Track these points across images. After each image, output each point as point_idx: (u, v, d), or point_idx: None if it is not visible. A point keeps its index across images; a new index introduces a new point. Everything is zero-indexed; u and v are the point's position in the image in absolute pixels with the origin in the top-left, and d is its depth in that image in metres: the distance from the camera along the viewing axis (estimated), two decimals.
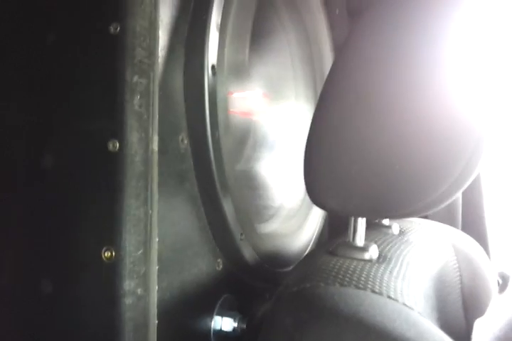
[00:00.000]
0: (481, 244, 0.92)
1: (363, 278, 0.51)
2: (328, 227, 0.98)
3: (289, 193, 0.85)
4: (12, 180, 0.49)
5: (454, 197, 0.53)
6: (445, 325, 0.69)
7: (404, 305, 0.48)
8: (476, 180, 1.08)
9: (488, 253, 1.06)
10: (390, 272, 0.55)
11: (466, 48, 0.51)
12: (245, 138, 0.79)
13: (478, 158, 0.50)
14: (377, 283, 0.50)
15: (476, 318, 0.68)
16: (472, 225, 1.08)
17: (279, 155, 0.86)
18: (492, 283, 0.89)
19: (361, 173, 0.52)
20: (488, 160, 1.07)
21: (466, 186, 0.52)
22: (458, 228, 1.08)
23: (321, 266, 0.54)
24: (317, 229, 0.91)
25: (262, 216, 0.75)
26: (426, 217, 1.04)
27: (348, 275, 0.51)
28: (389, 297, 0.48)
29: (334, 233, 0.96)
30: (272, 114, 0.86)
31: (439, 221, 0.95)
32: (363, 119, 0.53)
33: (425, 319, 0.49)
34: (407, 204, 0.53)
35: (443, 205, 0.54)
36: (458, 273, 0.82)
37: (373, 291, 0.48)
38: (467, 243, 0.90)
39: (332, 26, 0.93)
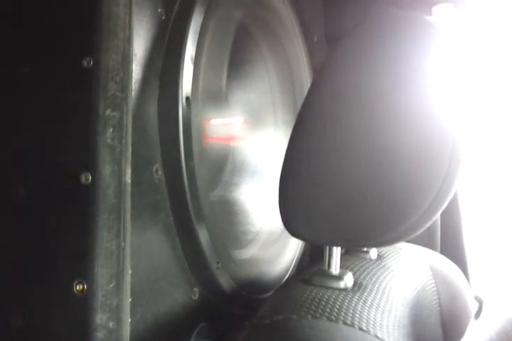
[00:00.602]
0: (459, 267, 0.92)
1: (335, 310, 0.51)
2: (311, 249, 0.98)
3: (269, 218, 0.85)
4: None
5: (425, 226, 0.54)
6: None
7: (376, 336, 0.49)
8: (454, 203, 1.08)
9: (467, 275, 1.06)
10: (364, 301, 0.55)
11: (434, 76, 0.52)
12: (224, 164, 0.79)
13: (449, 186, 0.51)
14: (350, 314, 0.50)
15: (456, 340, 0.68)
16: (451, 248, 1.08)
17: (259, 180, 0.87)
18: (471, 306, 0.89)
19: (334, 203, 0.53)
20: (465, 183, 1.08)
21: (437, 215, 0.53)
22: (437, 251, 1.09)
23: (295, 297, 0.54)
24: (298, 253, 0.91)
25: (240, 241, 0.76)
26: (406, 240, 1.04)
27: (321, 306, 0.51)
28: (360, 329, 0.49)
29: (317, 254, 0.97)
30: (251, 140, 0.86)
31: (417, 244, 0.96)
32: (334, 149, 0.54)
33: None
34: (380, 234, 0.54)
35: (415, 234, 0.55)
36: (436, 296, 0.82)
37: (345, 323, 0.49)
38: (445, 265, 0.90)
39: (311, 53, 0.95)
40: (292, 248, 0.88)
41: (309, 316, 0.49)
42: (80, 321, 0.44)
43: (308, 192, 0.55)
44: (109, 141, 0.46)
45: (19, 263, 0.47)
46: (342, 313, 0.50)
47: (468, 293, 0.91)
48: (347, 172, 0.52)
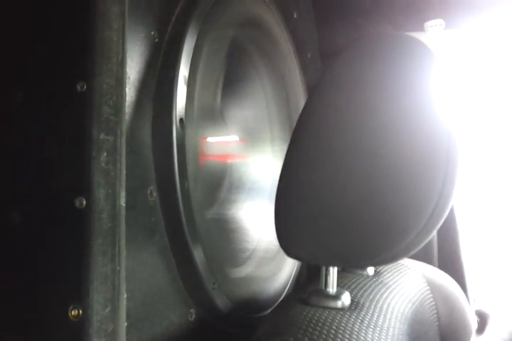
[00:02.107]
0: (457, 281, 0.92)
1: (332, 331, 0.51)
2: (308, 266, 0.98)
3: (266, 235, 0.85)
4: None
5: (421, 245, 0.54)
6: None
7: None
8: (451, 218, 1.09)
9: (465, 290, 1.06)
10: (362, 321, 0.55)
11: (425, 94, 0.53)
12: (220, 182, 0.79)
13: (444, 205, 0.51)
14: (347, 336, 0.50)
15: None
16: (448, 262, 1.08)
17: (256, 197, 0.87)
18: (470, 319, 0.89)
19: (330, 224, 0.53)
20: (461, 198, 1.08)
21: (432, 234, 0.53)
22: (434, 265, 1.09)
23: (293, 318, 0.54)
24: (295, 270, 0.91)
25: (237, 260, 0.75)
26: None
27: (318, 328, 0.51)
28: None
29: (314, 271, 0.96)
30: (248, 157, 0.87)
31: (415, 259, 0.96)
32: (329, 168, 0.54)
33: None
34: (376, 254, 0.54)
35: (412, 253, 0.55)
36: (435, 311, 0.82)
37: None
38: (443, 280, 0.90)
39: (305, 70, 0.95)
40: (289, 265, 0.88)
41: (306, 339, 0.49)
42: None
43: (303, 212, 0.55)
44: (103, 165, 0.46)
45: (14, 288, 0.47)
46: (339, 335, 0.50)
47: (467, 307, 0.90)
48: (342, 192, 0.53)
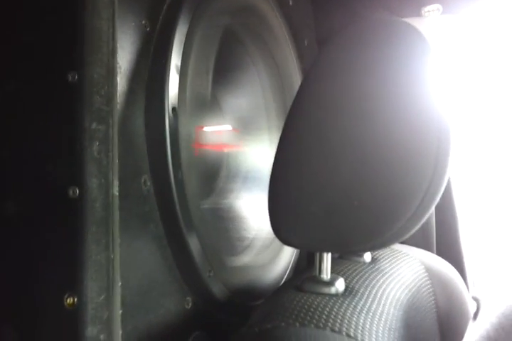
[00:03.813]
0: (456, 268, 0.92)
1: (324, 316, 0.51)
2: (308, 253, 0.99)
3: (265, 224, 0.85)
4: None
5: (413, 230, 0.54)
6: None
7: None
8: (449, 204, 1.09)
9: (464, 276, 1.07)
10: (354, 307, 0.56)
11: (418, 81, 0.53)
12: (217, 171, 0.80)
13: (435, 191, 0.52)
14: (338, 321, 0.51)
15: None
16: (447, 249, 1.09)
17: (254, 185, 0.87)
18: (469, 306, 0.90)
19: (322, 210, 0.54)
20: (460, 182, 1.08)
21: (424, 219, 0.54)
22: (432, 252, 1.09)
23: (285, 304, 0.54)
24: (294, 258, 0.91)
25: (236, 248, 0.76)
26: (401, 241, 1.04)
27: (309, 313, 0.52)
28: (348, 335, 0.49)
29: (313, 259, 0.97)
30: (245, 145, 0.87)
31: (413, 245, 0.96)
32: (320, 156, 0.54)
33: None
34: (369, 239, 0.54)
35: (404, 238, 0.55)
36: (433, 298, 0.82)
37: (332, 330, 0.49)
38: (441, 266, 0.90)
39: (301, 57, 0.95)
40: (288, 253, 0.88)
41: (297, 324, 0.50)
42: (71, 334, 0.44)
43: (296, 199, 0.55)
44: (95, 154, 0.46)
45: (9, 277, 0.47)
46: (330, 320, 0.51)
47: (465, 293, 0.91)
48: (334, 179, 0.53)
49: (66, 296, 0.45)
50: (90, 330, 0.44)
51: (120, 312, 0.47)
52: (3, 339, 0.47)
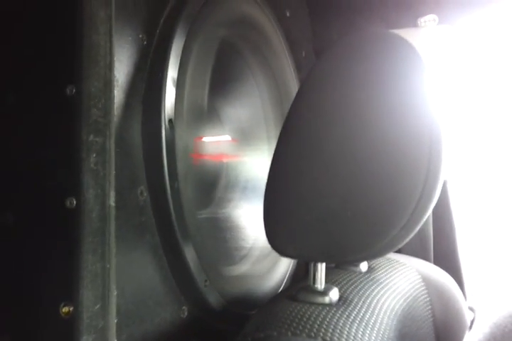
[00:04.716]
0: (453, 277, 0.93)
1: (316, 326, 0.52)
2: (305, 263, 0.99)
3: (262, 233, 0.86)
4: None
5: (406, 240, 0.55)
6: None
7: None
8: (447, 213, 1.09)
9: (461, 286, 1.07)
10: (347, 316, 0.56)
11: (410, 91, 0.54)
12: (216, 181, 0.80)
13: (427, 200, 0.52)
14: (330, 330, 0.51)
15: None
16: (444, 258, 1.09)
17: (253, 196, 0.87)
18: (466, 315, 0.90)
19: (316, 220, 0.54)
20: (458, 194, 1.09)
21: (416, 229, 0.54)
22: (430, 261, 1.09)
23: (279, 313, 0.55)
24: (291, 267, 0.92)
25: (233, 258, 0.76)
26: (398, 251, 1.05)
27: (302, 322, 0.52)
28: None
29: None
30: (245, 155, 0.87)
31: (410, 254, 0.96)
32: (314, 166, 0.55)
33: None
34: (363, 248, 0.55)
35: (397, 247, 0.56)
36: (429, 307, 0.82)
37: (324, 339, 0.50)
38: (439, 276, 0.91)
39: (299, 68, 0.96)
40: (285, 262, 0.89)
41: (289, 333, 0.50)
42: None
43: (290, 209, 0.56)
44: (92, 165, 0.47)
45: (6, 286, 0.48)
46: (322, 329, 0.51)
47: (462, 303, 0.91)
48: (327, 188, 0.54)
49: (62, 305, 0.45)
50: (85, 339, 0.45)
51: (115, 321, 0.48)
52: None
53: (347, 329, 0.53)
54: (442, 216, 1.08)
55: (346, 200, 0.53)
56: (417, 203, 0.52)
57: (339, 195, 0.53)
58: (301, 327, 0.51)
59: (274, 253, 0.85)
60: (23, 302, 0.47)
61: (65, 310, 0.45)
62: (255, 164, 0.88)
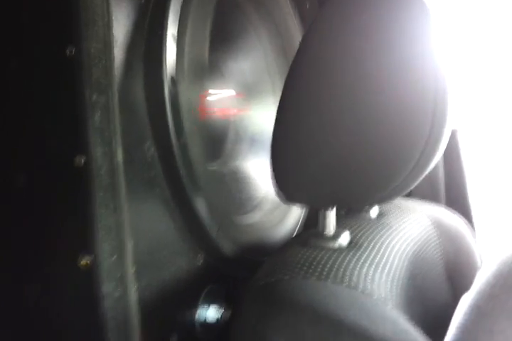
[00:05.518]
0: (465, 220, 0.94)
1: (326, 269, 0.54)
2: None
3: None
4: None
5: (415, 183, 0.56)
6: (425, 303, 0.72)
7: (363, 292, 0.51)
8: (457, 156, 1.09)
9: (472, 228, 1.08)
10: (357, 259, 0.58)
11: (416, 40, 0.54)
12: (224, 135, 0.82)
13: (435, 142, 0.53)
14: (340, 273, 0.53)
15: (463, 293, 0.70)
16: (456, 201, 1.10)
17: (262, 148, 0.89)
18: (477, 258, 0.91)
19: (324, 166, 0.55)
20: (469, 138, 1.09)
21: (426, 171, 0.55)
22: (441, 204, 1.10)
23: (289, 259, 0.57)
24: (303, 214, 0.94)
25: (244, 208, 0.78)
26: (409, 195, 1.06)
27: (312, 266, 0.54)
28: (348, 286, 0.51)
29: None
30: (251, 109, 0.88)
31: (421, 198, 0.97)
32: (320, 117, 0.55)
33: (383, 305, 0.51)
34: (371, 193, 0.56)
35: (407, 191, 0.57)
36: (440, 250, 0.84)
37: (333, 281, 0.52)
38: (450, 219, 0.92)
39: (303, 20, 0.95)
40: (297, 211, 0.90)
41: (300, 277, 0.52)
42: (88, 292, 0.48)
43: (297, 156, 0.56)
44: (97, 124, 0.49)
45: (24, 244, 0.51)
46: (332, 272, 0.53)
47: (473, 245, 0.92)
48: (335, 136, 0.54)
49: (80, 258, 0.48)
50: (106, 287, 0.48)
51: (133, 270, 0.51)
52: (25, 302, 0.50)
53: (357, 271, 0.55)
54: (453, 159, 1.08)
55: (353, 146, 0.53)
56: (426, 143, 0.52)
57: (346, 141, 0.54)
58: (311, 271, 0.53)
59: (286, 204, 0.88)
60: (43, 257, 0.50)
61: (83, 262, 0.48)
62: (262, 117, 0.89)
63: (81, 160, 0.48)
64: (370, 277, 0.55)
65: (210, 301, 0.64)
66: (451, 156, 1.07)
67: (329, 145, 0.55)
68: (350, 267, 0.56)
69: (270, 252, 0.78)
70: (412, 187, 0.57)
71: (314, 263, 0.55)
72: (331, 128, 0.54)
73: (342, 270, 0.54)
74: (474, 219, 1.10)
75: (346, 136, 0.54)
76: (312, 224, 0.96)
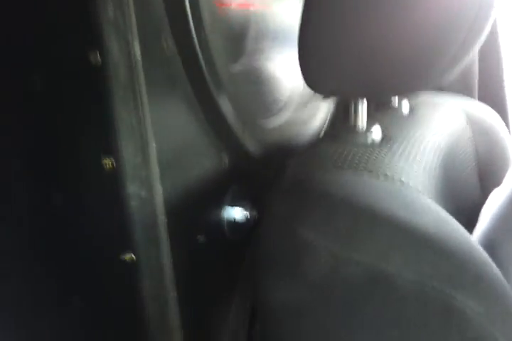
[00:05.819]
0: (499, 114, 0.91)
1: (362, 163, 0.52)
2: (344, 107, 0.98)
3: (299, 84, 0.84)
4: (9, 102, 0.51)
5: (453, 73, 0.52)
6: (457, 195, 0.71)
7: (401, 185, 0.50)
8: (494, 46, 1.03)
9: (507, 122, 1.04)
10: (393, 153, 0.56)
11: None
12: (245, 32, 0.77)
13: (480, 29, 0.49)
14: (376, 166, 0.51)
15: (492, 189, 0.69)
16: (489, 94, 1.05)
17: (285, 44, 0.85)
18: (509, 152, 0.89)
19: (356, 56, 0.51)
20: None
21: (466, 59, 0.51)
22: (474, 98, 1.05)
23: (321, 154, 0.55)
24: (330, 113, 0.91)
25: (270, 109, 0.76)
26: (441, 90, 1.01)
27: (347, 161, 0.52)
28: (385, 179, 0.50)
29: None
30: (272, 4, 0.83)
31: (454, 92, 0.93)
32: (355, 8, 0.51)
33: (422, 196, 0.50)
34: (407, 81, 0.53)
35: (444, 81, 0.54)
36: (472, 143, 0.82)
37: (370, 175, 0.50)
38: (483, 113, 0.89)
39: None
40: (323, 110, 0.88)
41: (334, 170, 0.51)
42: (114, 193, 0.47)
43: (328, 46, 0.52)
44: (112, 18, 0.45)
45: (51, 147, 0.50)
46: (367, 166, 0.51)
47: (507, 140, 0.90)
48: (375, 18, 0.50)
49: (103, 159, 0.46)
50: (131, 188, 0.47)
51: (158, 170, 0.49)
52: (53, 201, 0.50)
53: (393, 164, 0.53)
54: (488, 49, 1.02)
55: (389, 31, 0.49)
56: (467, 33, 0.48)
57: (381, 30, 0.49)
58: (346, 165, 0.51)
59: (313, 103, 0.85)
60: (68, 160, 0.49)
61: (107, 164, 0.46)
62: (284, 13, 0.84)
63: (97, 56, 0.45)
64: (406, 170, 0.54)
65: (236, 201, 0.63)
66: (488, 50, 1.01)
67: (363, 32, 0.50)
68: (386, 161, 0.54)
69: (297, 151, 0.76)
70: (452, 75, 0.53)
71: (349, 157, 0.53)
72: (366, 13, 0.50)
73: (378, 162, 0.52)
74: (509, 117, 1.06)
75: (383, 23, 0.50)
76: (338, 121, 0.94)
